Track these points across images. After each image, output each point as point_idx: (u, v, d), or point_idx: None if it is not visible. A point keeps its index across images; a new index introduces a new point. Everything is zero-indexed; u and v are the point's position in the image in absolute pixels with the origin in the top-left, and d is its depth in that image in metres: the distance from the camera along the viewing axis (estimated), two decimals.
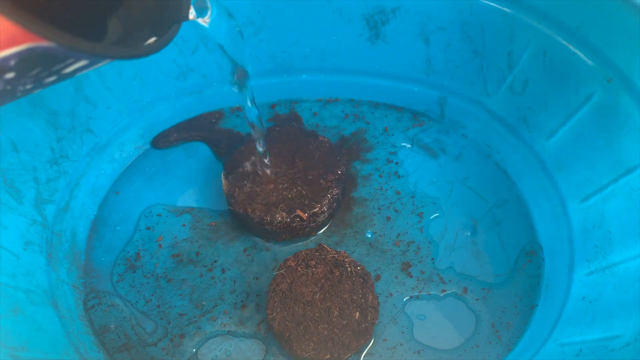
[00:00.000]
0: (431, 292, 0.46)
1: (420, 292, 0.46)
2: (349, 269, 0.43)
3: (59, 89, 0.45)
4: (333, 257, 0.44)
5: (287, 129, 0.52)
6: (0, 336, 0.34)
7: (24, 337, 0.36)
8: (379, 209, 0.51)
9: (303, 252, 0.44)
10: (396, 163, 0.54)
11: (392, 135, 0.56)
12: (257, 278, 0.47)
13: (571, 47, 0.43)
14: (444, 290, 0.46)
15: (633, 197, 0.40)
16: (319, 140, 0.51)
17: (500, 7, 0.46)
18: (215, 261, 0.48)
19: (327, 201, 0.47)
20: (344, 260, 0.44)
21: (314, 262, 0.43)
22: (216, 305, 0.45)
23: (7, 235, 0.41)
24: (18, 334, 0.36)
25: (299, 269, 0.43)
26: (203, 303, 0.45)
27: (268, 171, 0.47)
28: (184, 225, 0.50)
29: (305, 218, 0.46)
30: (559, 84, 0.46)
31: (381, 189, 0.52)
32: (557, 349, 0.40)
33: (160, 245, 0.49)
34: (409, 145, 0.55)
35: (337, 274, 0.43)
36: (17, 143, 0.43)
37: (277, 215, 0.46)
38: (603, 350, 0.35)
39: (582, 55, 0.43)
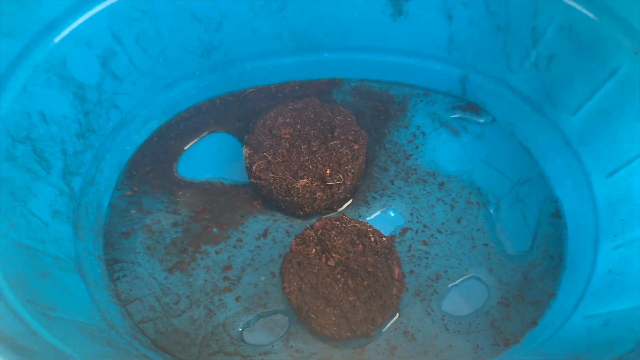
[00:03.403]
0: (455, 267, 0.46)
1: (445, 266, 0.46)
2: (372, 239, 0.41)
3: (86, 63, 0.46)
4: (354, 226, 0.42)
5: (309, 102, 0.52)
6: (32, 295, 0.34)
7: (53, 298, 0.37)
8: (401, 187, 0.51)
9: (322, 221, 0.42)
10: (418, 141, 0.54)
11: (415, 113, 0.55)
12: (277, 250, 0.47)
13: (597, 20, 0.43)
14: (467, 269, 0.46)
15: None
16: (341, 112, 0.51)
17: None
18: (238, 236, 0.48)
19: (349, 171, 0.47)
20: (367, 230, 0.42)
21: (334, 232, 0.42)
22: (239, 278, 0.46)
23: (37, 203, 0.42)
24: (48, 296, 0.36)
25: (318, 238, 0.41)
26: (225, 276, 0.46)
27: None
28: (204, 198, 0.51)
29: (329, 173, 0.45)
30: (584, 58, 0.45)
31: (403, 167, 0.52)
32: (582, 321, 0.39)
33: (181, 218, 0.49)
34: (430, 124, 0.55)
35: (360, 245, 0.41)
36: (47, 114, 0.44)
37: (299, 183, 0.46)
38: (632, 318, 0.35)
39: (608, 28, 0.42)
